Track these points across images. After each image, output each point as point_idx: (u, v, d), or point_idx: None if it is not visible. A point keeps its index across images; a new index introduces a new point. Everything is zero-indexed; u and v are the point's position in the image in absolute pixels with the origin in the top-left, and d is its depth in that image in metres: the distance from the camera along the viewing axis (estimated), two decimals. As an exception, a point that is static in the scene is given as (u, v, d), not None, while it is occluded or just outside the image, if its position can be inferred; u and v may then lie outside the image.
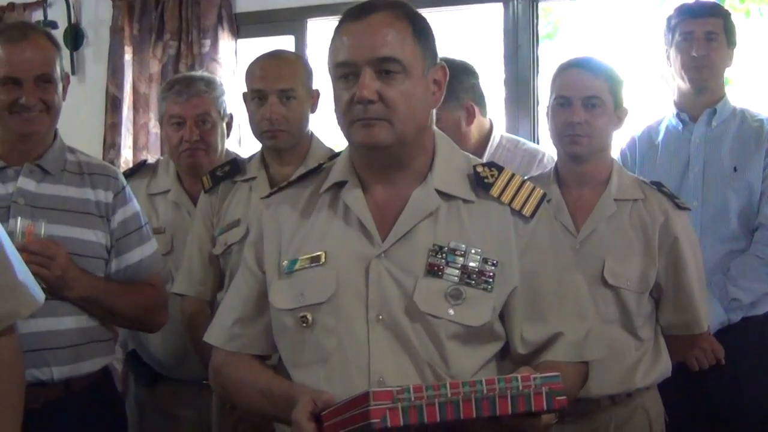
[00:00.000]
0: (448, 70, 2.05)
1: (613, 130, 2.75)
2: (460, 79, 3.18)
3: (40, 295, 2.18)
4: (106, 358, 2.74)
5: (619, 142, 3.45)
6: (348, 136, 2.01)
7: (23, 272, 2.14)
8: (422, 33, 1.99)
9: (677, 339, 2.77)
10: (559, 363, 1.99)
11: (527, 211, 2.03)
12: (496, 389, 1.71)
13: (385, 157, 2.01)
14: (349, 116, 1.96)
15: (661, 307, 2.73)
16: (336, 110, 2.01)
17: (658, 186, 2.77)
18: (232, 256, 3.01)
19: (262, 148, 3.10)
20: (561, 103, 2.71)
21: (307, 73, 3.05)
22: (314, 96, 3.06)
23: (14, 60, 2.60)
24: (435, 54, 2.03)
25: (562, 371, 1.91)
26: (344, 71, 1.96)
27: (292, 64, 3.06)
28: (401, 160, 2.02)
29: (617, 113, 2.72)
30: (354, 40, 1.95)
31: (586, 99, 2.67)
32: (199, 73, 3.77)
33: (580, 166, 2.74)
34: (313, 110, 3.07)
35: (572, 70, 2.73)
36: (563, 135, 2.71)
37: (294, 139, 3.00)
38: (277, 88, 2.95)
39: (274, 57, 3.08)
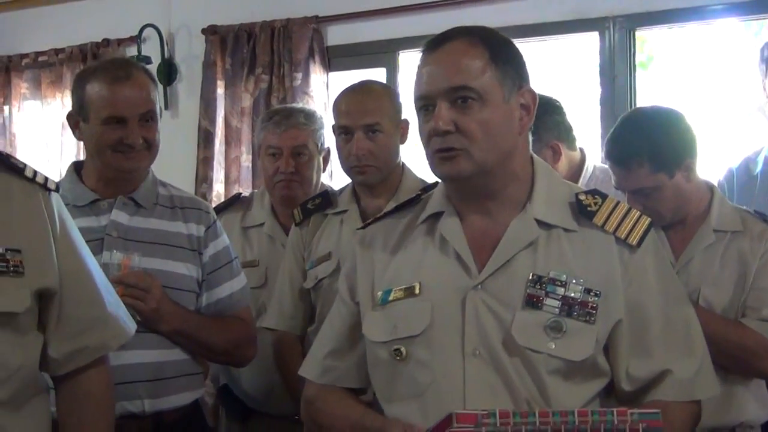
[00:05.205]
0: (536, 94, 1.99)
1: (687, 183, 2.67)
2: (542, 119, 3.09)
3: (130, 327, 2.17)
4: (197, 392, 2.72)
5: (715, 174, 3.37)
6: (432, 168, 1.99)
7: (114, 303, 2.14)
8: (502, 57, 1.94)
9: None
10: (668, 403, 1.90)
11: (633, 239, 1.96)
12: (589, 422, 1.65)
13: (471, 187, 1.97)
14: (430, 149, 1.95)
15: None
16: (422, 143, 2.00)
17: (762, 216, 2.70)
18: (323, 289, 2.99)
19: (352, 180, 3.07)
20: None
21: (394, 104, 2.99)
22: (403, 126, 3.00)
23: (119, 99, 2.59)
24: (521, 78, 1.97)
25: (671, 412, 1.85)
26: (423, 104, 1.96)
27: (378, 97, 2.99)
28: (490, 190, 1.98)
29: (680, 175, 2.64)
30: (429, 72, 1.95)
31: (637, 195, 2.64)
32: (299, 105, 3.80)
33: None
34: (402, 141, 3.01)
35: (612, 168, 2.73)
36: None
37: (383, 173, 2.95)
38: (362, 123, 2.90)
39: (359, 91, 3.02)
